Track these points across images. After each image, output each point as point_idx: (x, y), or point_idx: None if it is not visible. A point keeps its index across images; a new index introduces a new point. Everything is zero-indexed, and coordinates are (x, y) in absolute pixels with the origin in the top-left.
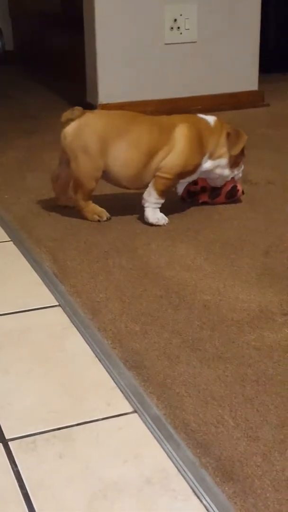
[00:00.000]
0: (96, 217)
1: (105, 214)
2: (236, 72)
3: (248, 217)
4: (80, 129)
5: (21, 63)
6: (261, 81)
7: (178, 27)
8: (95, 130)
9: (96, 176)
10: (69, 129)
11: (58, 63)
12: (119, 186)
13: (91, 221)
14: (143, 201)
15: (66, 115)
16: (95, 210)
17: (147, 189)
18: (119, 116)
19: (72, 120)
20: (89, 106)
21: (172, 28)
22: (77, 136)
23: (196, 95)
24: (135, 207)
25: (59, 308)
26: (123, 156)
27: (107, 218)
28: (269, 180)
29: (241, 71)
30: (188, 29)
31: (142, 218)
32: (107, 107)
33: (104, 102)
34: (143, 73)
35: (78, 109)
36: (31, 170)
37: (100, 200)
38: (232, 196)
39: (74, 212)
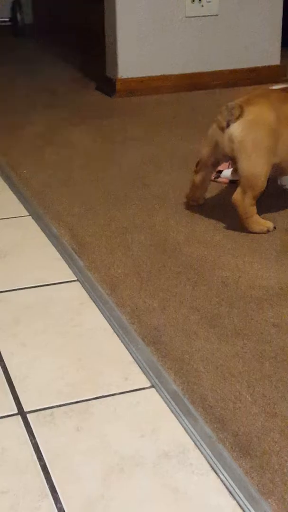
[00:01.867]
0: (265, 229)
1: (271, 224)
2: (258, 46)
3: (267, 194)
4: (252, 127)
5: (40, 37)
6: (283, 55)
7: (200, 0)
8: (268, 124)
9: (268, 173)
10: (237, 129)
11: (77, 36)
12: (280, 175)
13: (258, 233)
14: (284, 182)
15: (223, 117)
16: (260, 220)
17: None
18: (279, 100)
19: (230, 120)
20: (109, 80)
21: (193, 0)
22: (249, 135)
23: (216, 69)
24: (152, 185)
25: (77, 283)
26: None
27: (274, 228)
28: None
29: (263, 46)
30: (210, 1)
31: (159, 195)
32: (126, 81)
33: (124, 76)
34: (163, 47)
35: (236, 107)
36: (49, 144)
37: (116, 178)
38: None
39: (93, 187)
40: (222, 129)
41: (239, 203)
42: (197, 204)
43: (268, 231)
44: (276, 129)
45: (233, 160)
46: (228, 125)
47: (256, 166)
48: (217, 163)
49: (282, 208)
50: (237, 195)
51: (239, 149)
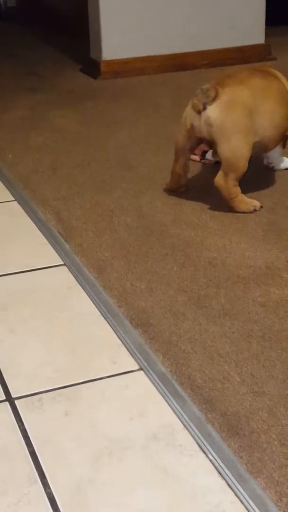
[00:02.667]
0: (252, 208)
1: (257, 202)
2: (242, 25)
3: (253, 174)
4: (229, 109)
5: (23, 20)
6: (267, 34)
7: None
8: (244, 104)
9: (249, 153)
10: (214, 112)
11: (61, 19)
12: (263, 152)
13: (245, 212)
14: (270, 160)
15: (199, 99)
16: (245, 199)
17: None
18: (254, 78)
19: (206, 102)
20: (93, 62)
21: None
22: (226, 117)
23: (201, 49)
24: (138, 167)
25: (64, 267)
26: (272, 117)
27: (261, 207)
28: None
29: (247, 24)
30: None
31: (145, 177)
32: (111, 63)
33: (108, 58)
34: (147, 28)
35: (211, 89)
36: (34, 128)
37: (102, 161)
38: None
39: (79, 171)
40: (199, 112)
41: (222, 186)
42: (181, 190)
43: (254, 210)
44: (253, 107)
45: (211, 143)
46: (204, 108)
47: (236, 148)
48: (194, 147)
49: (266, 187)
50: (219, 178)
51: (218, 132)
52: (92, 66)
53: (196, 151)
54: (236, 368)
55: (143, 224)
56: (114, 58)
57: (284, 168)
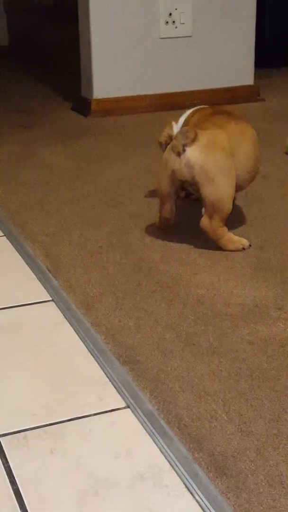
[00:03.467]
0: (240, 246)
1: (246, 241)
2: (232, 66)
3: (242, 211)
4: (210, 150)
5: (16, 58)
6: (256, 75)
7: (173, 21)
8: (224, 146)
9: (233, 194)
10: (194, 154)
11: (52, 57)
12: (237, 191)
13: (232, 250)
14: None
15: (179, 141)
16: (233, 238)
17: None
18: (230, 123)
19: (185, 144)
20: (84, 100)
21: (167, 22)
22: (208, 159)
23: (191, 89)
24: (127, 204)
25: (52, 303)
26: (247, 161)
27: (249, 245)
28: (263, 175)
29: (236, 66)
30: (183, 23)
31: (135, 214)
32: (102, 101)
33: (99, 96)
34: (138, 68)
35: (190, 131)
36: (24, 165)
37: (91, 197)
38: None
39: (68, 207)
40: (178, 154)
41: (208, 228)
42: (166, 228)
43: (243, 248)
44: (230, 149)
45: (193, 186)
46: (184, 150)
47: (220, 190)
48: (178, 190)
49: (255, 224)
50: (204, 221)
51: (201, 174)
52: (83, 104)
53: None
54: (223, 407)
55: (132, 260)
56: (105, 96)
57: None
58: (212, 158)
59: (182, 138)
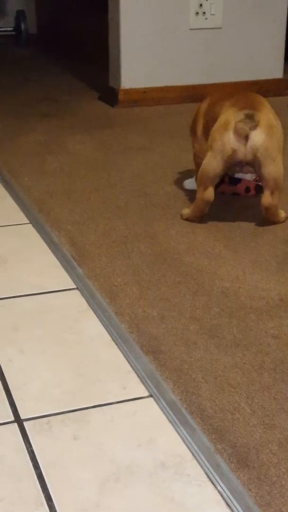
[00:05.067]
0: (286, 216)
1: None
2: (261, 59)
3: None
4: (271, 132)
5: (44, 46)
6: (286, 69)
7: (204, 12)
8: (279, 127)
9: None
10: (261, 136)
11: (81, 46)
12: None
13: (283, 221)
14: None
15: (246, 124)
16: (281, 211)
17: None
18: (265, 102)
19: (252, 127)
20: (111, 90)
21: (197, 13)
22: (272, 140)
23: (218, 81)
24: (153, 194)
25: (77, 291)
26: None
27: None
28: None
29: (266, 59)
30: (214, 14)
31: (160, 205)
32: (129, 92)
33: (127, 87)
34: (166, 58)
35: (254, 114)
36: (51, 153)
37: (117, 187)
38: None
39: (94, 196)
40: (246, 137)
41: (272, 204)
42: (198, 219)
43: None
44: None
45: (254, 166)
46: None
47: (280, 168)
48: (225, 174)
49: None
50: (267, 198)
51: (265, 155)
52: (110, 94)
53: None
54: (247, 400)
55: (157, 251)
56: (132, 87)
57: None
58: (274, 139)
59: (249, 122)
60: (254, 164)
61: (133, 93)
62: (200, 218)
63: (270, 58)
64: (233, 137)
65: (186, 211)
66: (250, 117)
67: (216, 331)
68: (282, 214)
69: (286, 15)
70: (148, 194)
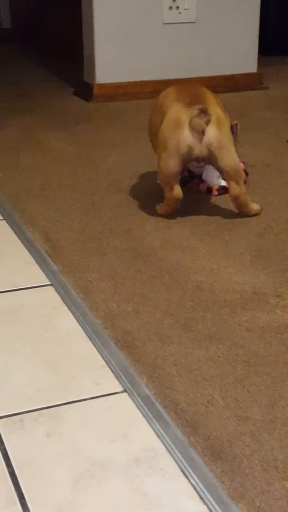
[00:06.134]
0: (259, 209)
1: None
2: (235, 54)
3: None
4: (221, 124)
5: (18, 42)
6: (260, 63)
7: (177, 7)
8: (224, 117)
9: None
10: (214, 130)
11: (55, 41)
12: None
13: (256, 215)
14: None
15: (202, 119)
16: (252, 203)
17: None
18: (207, 91)
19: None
20: (86, 85)
21: (171, 7)
22: (223, 131)
23: (194, 76)
24: (128, 190)
25: (51, 288)
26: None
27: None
28: (265, 163)
29: (240, 53)
30: (187, 9)
31: (135, 200)
32: (104, 86)
33: (102, 81)
34: (141, 53)
35: (207, 108)
36: (25, 149)
37: (92, 183)
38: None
39: (69, 192)
40: (202, 133)
41: (240, 193)
42: (171, 216)
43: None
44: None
45: (210, 161)
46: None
47: (236, 157)
48: (184, 170)
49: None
50: (234, 188)
51: (220, 148)
52: (85, 89)
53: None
54: (220, 392)
55: (131, 246)
56: (107, 81)
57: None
58: (225, 130)
59: (204, 116)
60: (210, 158)
61: (108, 88)
62: (174, 214)
63: (245, 52)
64: (188, 134)
65: (160, 208)
66: (204, 112)
67: (190, 325)
68: (255, 206)
69: (259, 10)
70: (124, 189)
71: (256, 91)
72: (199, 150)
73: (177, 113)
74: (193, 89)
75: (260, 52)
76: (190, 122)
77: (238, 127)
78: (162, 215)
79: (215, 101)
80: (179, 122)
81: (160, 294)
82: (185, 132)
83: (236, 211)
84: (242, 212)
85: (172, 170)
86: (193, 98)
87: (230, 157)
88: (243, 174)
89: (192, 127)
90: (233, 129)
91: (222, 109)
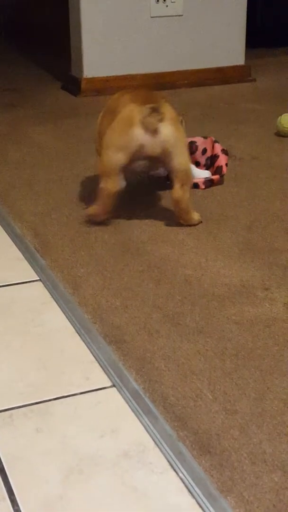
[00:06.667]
0: (200, 219)
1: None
2: (223, 46)
3: (232, 192)
4: (176, 124)
5: (6, 36)
6: (247, 56)
7: (164, 0)
8: (178, 120)
9: None
10: (169, 129)
11: (42, 35)
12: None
13: (195, 224)
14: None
15: (155, 117)
16: (194, 212)
17: None
18: (159, 96)
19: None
20: (74, 79)
21: (158, 0)
22: (178, 131)
23: (182, 69)
24: None
25: (40, 283)
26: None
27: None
28: (253, 156)
29: (227, 46)
30: (174, 2)
31: (124, 194)
32: (92, 80)
33: (89, 75)
34: (128, 47)
35: (159, 107)
36: (13, 143)
37: (80, 177)
38: None
39: (57, 186)
40: (155, 131)
41: (183, 198)
42: (102, 221)
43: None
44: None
45: (162, 160)
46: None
47: (188, 160)
48: (129, 166)
49: (244, 206)
50: (177, 192)
51: (174, 147)
52: (72, 83)
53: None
54: (209, 386)
55: (120, 240)
56: (95, 75)
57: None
58: (180, 131)
59: (156, 115)
60: (162, 157)
61: (96, 82)
62: (106, 214)
63: (232, 44)
64: (140, 132)
65: (91, 208)
66: (156, 111)
67: (178, 319)
68: (196, 216)
69: (246, 2)
70: None
71: (244, 84)
72: (151, 148)
73: (130, 112)
74: (146, 92)
75: (248, 45)
76: (143, 121)
77: (184, 123)
78: (92, 216)
79: (168, 104)
80: (131, 120)
81: (149, 288)
82: (137, 130)
83: (175, 213)
84: (181, 219)
85: (117, 164)
86: (146, 99)
87: (184, 158)
88: (191, 181)
89: (144, 126)
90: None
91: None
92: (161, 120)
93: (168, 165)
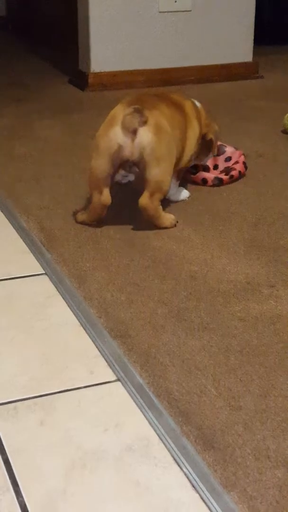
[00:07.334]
0: (174, 222)
1: (174, 217)
2: (231, 43)
3: (238, 189)
4: (159, 132)
5: (13, 29)
6: (255, 52)
7: None
8: (167, 130)
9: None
10: (148, 135)
11: (50, 30)
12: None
13: (168, 227)
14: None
15: (135, 118)
16: (167, 215)
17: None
18: (162, 105)
19: (139, 123)
20: (81, 74)
21: None
22: (159, 141)
23: (189, 65)
24: None
25: (45, 277)
26: (175, 147)
27: (177, 222)
28: (260, 153)
29: (235, 42)
30: None
31: (129, 189)
32: (99, 75)
33: (97, 70)
34: (136, 42)
35: (143, 110)
36: (19, 138)
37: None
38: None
39: (63, 181)
40: (134, 132)
41: (149, 206)
42: (93, 223)
43: (175, 224)
44: (172, 132)
45: (138, 166)
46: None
47: (165, 172)
48: (114, 174)
49: (250, 203)
50: (145, 199)
51: (151, 155)
52: (80, 78)
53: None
54: (213, 382)
55: (126, 236)
56: (102, 70)
57: (182, 199)
58: (162, 141)
59: (138, 116)
60: (139, 164)
61: (103, 76)
62: (98, 223)
63: (240, 41)
64: (120, 131)
65: (82, 215)
66: (138, 112)
67: (184, 315)
68: (168, 219)
69: None
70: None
71: (251, 80)
72: (129, 151)
73: (115, 111)
74: (148, 97)
75: (255, 42)
76: (123, 120)
77: (215, 133)
78: (83, 223)
79: (163, 113)
80: (113, 120)
81: (154, 283)
82: (117, 129)
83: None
84: (152, 223)
85: (102, 172)
86: (138, 102)
87: (159, 170)
88: (164, 192)
89: (123, 125)
90: (208, 144)
91: (170, 125)
92: (143, 124)
93: (142, 173)
